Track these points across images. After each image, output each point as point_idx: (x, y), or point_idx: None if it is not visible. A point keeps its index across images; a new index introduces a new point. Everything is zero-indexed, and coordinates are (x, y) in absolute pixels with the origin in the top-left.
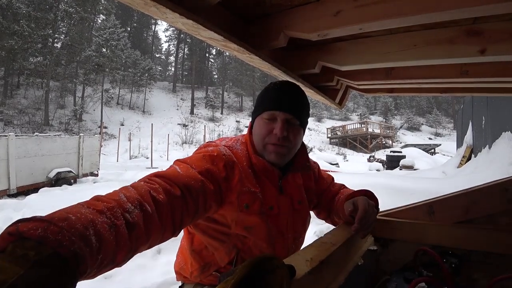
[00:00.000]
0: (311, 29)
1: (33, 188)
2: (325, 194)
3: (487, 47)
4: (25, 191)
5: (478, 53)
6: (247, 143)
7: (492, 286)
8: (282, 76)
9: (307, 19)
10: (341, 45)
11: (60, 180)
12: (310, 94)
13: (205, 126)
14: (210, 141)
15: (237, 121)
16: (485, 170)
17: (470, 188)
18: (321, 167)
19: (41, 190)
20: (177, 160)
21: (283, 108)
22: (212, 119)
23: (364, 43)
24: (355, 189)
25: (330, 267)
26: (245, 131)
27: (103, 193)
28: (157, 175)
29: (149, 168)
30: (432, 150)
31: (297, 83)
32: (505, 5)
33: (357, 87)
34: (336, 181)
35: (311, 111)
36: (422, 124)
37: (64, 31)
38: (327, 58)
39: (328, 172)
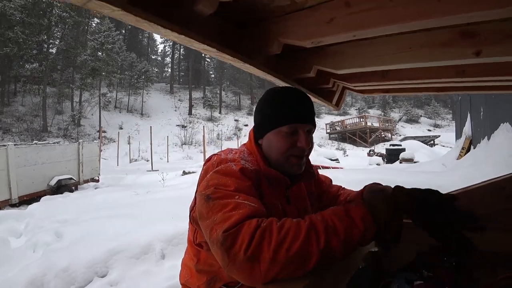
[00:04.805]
0: (305, 36)
1: (35, 197)
2: (325, 196)
3: (482, 49)
4: (27, 200)
5: (473, 55)
6: (254, 155)
7: (496, 284)
8: (277, 82)
9: (301, 27)
10: (336, 49)
11: (61, 187)
12: None
13: (204, 126)
14: (216, 155)
15: (235, 120)
16: (484, 162)
17: (468, 187)
18: (321, 163)
19: (43, 198)
20: (232, 191)
21: (305, 120)
22: (211, 119)
23: (359, 47)
24: (355, 187)
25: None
26: (244, 130)
27: (105, 200)
28: (254, 215)
29: (150, 171)
30: (432, 142)
31: None
32: (500, 12)
33: (354, 88)
34: (336, 176)
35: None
36: (421, 116)
37: (58, 36)
38: (322, 62)
39: (329, 168)
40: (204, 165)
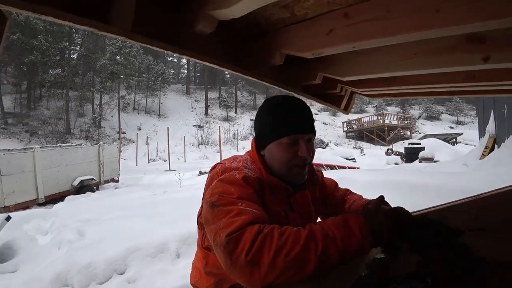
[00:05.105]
0: (305, 48)
1: (59, 197)
2: (329, 200)
3: (490, 55)
4: (52, 199)
5: (481, 61)
6: (256, 163)
7: None
8: (282, 91)
9: (301, 38)
10: (341, 56)
11: (83, 187)
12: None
13: (219, 127)
14: (220, 164)
15: (251, 120)
16: (509, 163)
17: (483, 193)
18: (337, 162)
19: (67, 198)
20: (236, 199)
21: (305, 130)
22: (227, 119)
23: (364, 54)
24: (371, 189)
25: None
26: None
27: (124, 200)
28: (256, 221)
29: (167, 171)
30: (453, 140)
31: (299, 97)
32: (502, 21)
33: (362, 93)
34: (352, 178)
35: (325, 105)
36: (442, 112)
37: (79, 43)
38: (327, 70)
39: (345, 167)
40: (209, 173)
